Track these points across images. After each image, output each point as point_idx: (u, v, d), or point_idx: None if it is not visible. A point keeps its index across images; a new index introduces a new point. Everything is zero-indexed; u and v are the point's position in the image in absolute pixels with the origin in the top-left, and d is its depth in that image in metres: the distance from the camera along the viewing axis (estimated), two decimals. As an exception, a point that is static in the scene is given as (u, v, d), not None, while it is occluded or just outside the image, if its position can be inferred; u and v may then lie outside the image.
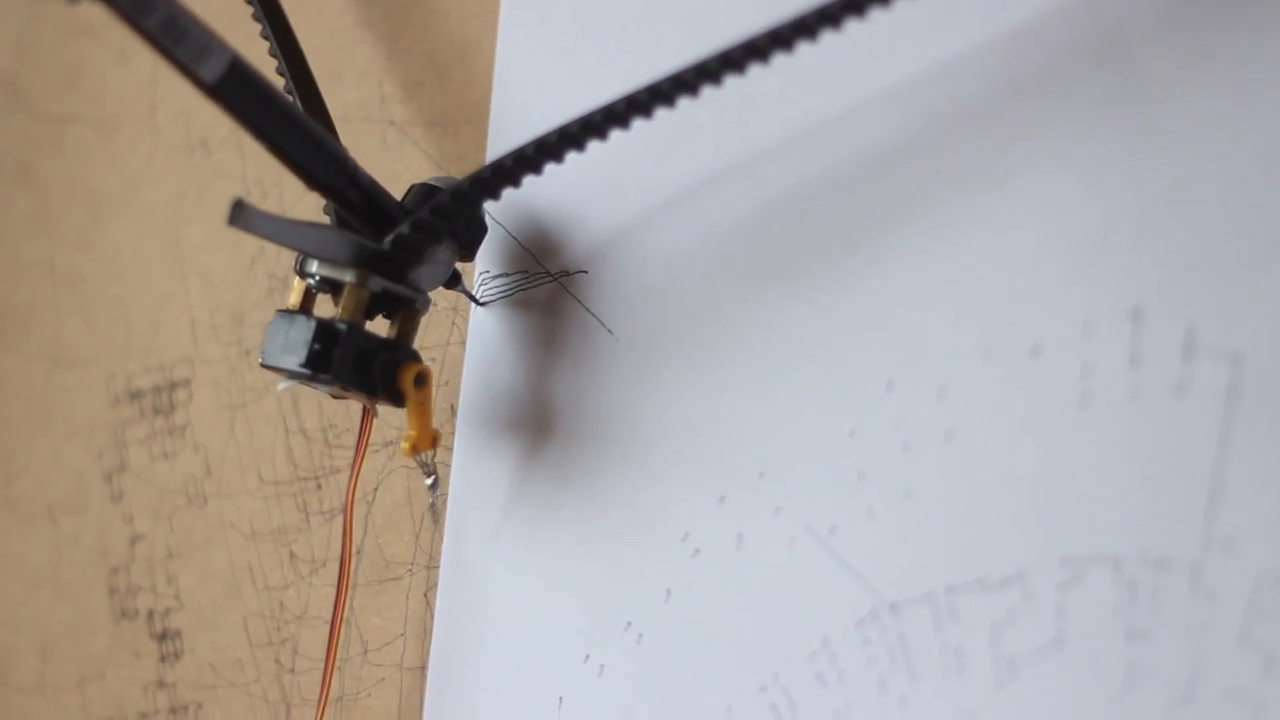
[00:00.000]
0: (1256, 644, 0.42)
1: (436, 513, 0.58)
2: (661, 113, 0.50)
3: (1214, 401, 0.43)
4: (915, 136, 0.49)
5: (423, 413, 0.53)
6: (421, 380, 0.53)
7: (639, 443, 0.54)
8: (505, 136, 0.59)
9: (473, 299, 0.58)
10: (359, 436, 0.57)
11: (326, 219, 0.55)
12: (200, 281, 0.69)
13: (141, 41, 0.45)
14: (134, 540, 0.70)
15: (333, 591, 0.61)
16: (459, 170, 0.60)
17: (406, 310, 0.54)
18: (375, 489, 0.61)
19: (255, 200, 0.68)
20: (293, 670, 0.63)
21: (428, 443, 0.53)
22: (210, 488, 0.67)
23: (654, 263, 0.54)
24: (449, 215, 0.53)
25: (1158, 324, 0.44)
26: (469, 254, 0.55)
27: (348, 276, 0.52)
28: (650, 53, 0.55)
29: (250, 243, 0.68)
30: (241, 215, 0.47)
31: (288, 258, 0.66)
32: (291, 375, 0.52)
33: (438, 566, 0.59)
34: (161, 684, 0.68)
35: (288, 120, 0.50)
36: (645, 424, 0.54)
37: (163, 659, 0.68)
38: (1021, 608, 0.45)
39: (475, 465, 0.58)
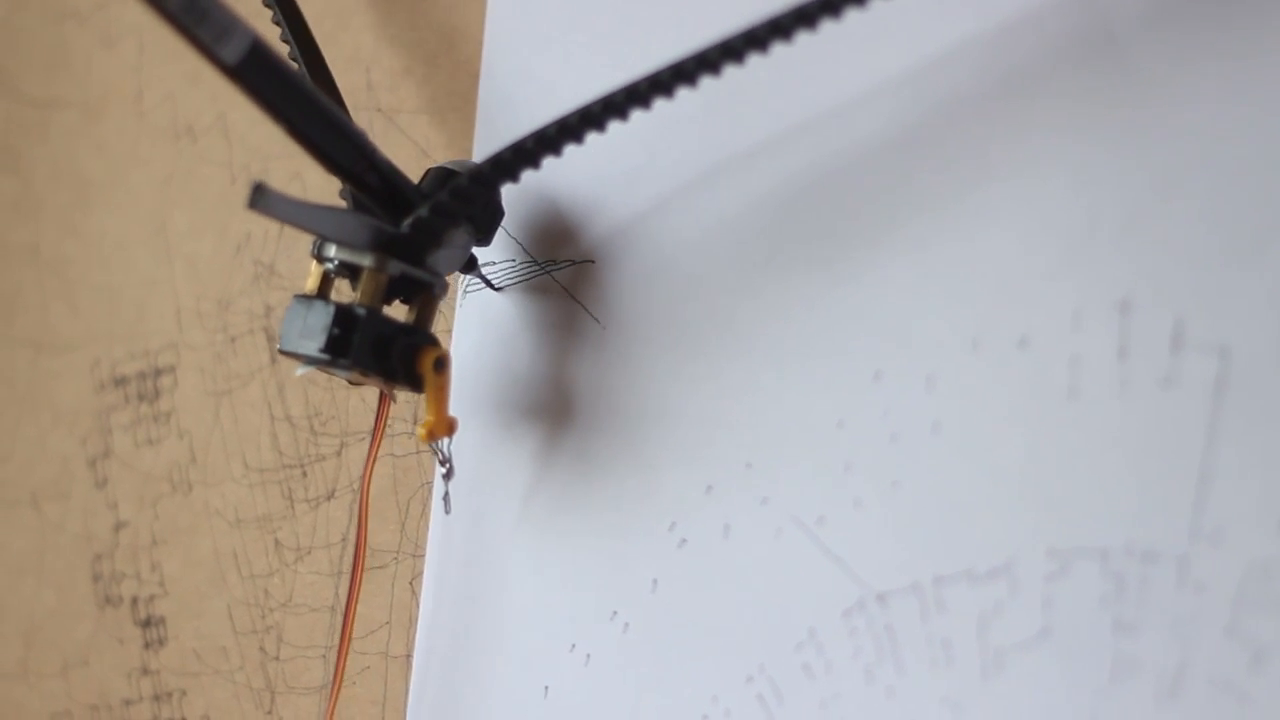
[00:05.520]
0: (1244, 636, 0.42)
1: (449, 503, 0.58)
2: (659, 103, 0.50)
3: (1202, 394, 0.43)
4: (905, 128, 0.49)
5: (441, 398, 0.52)
6: (441, 365, 0.52)
7: (626, 432, 0.54)
8: (492, 124, 0.59)
9: (489, 284, 0.57)
10: (376, 422, 0.56)
11: (342, 204, 0.55)
12: (185, 267, 0.69)
13: (162, 22, 0.45)
14: (118, 527, 0.70)
15: (318, 579, 0.61)
16: (446, 157, 0.59)
17: (425, 295, 0.53)
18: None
19: (238, 189, 0.68)
20: (277, 658, 0.63)
21: (444, 429, 0.52)
22: (195, 474, 0.67)
23: (642, 253, 0.54)
24: (468, 198, 0.52)
25: (1146, 316, 0.44)
26: (486, 239, 0.54)
27: (366, 261, 0.51)
28: (636, 40, 0.55)
29: (236, 229, 0.67)
30: (262, 199, 0.46)
31: (274, 244, 0.65)
32: (310, 361, 0.52)
33: (423, 555, 0.58)
34: (145, 671, 0.68)
35: (308, 103, 0.49)
36: (632, 413, 0.54)
37: (146, 646, 0.68)
38: (1008, 599, 0.45)
39: (462, 454, 0.58)
